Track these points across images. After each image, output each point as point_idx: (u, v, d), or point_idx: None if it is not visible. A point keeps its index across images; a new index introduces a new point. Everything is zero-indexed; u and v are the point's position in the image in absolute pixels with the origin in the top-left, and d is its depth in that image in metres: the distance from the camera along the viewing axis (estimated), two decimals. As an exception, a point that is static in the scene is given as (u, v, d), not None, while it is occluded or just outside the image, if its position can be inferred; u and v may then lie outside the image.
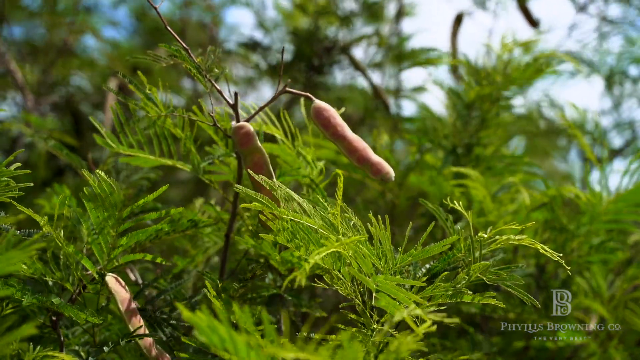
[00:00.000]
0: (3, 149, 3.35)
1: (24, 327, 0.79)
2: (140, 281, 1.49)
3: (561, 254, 1.20)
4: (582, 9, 3.05)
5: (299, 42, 3.14)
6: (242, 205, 1.20)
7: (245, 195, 1.13)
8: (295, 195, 1.15)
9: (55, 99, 3.42)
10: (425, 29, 3.71)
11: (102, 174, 1.14)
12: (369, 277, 1.13)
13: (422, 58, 3.19)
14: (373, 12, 3.21)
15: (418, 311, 1.01)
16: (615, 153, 3.16)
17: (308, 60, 3.13)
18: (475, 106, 2.29)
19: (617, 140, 3.23)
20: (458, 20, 3.11)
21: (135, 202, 1.59)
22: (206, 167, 1.44)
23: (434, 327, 1.14)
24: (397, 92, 3.34)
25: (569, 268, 1.22)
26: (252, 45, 3.22)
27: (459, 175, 2.19)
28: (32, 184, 1.21)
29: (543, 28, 3.18)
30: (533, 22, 3.12)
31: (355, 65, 3.24)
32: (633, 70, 3.19)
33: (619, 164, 3.19)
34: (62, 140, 2.70)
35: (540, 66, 2.24)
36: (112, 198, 1.17)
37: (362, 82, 3.64)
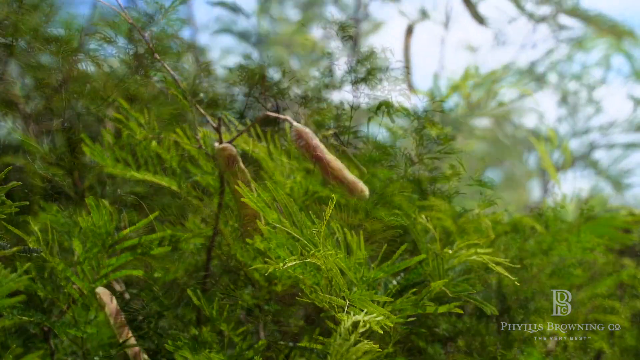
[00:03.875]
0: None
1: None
2: (124, 290, 1.56)
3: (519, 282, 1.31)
4: (537, 21, 3.16)
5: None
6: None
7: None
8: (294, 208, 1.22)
9: (56, 126, 3.39)
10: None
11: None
12: (342, 292, 1.24)
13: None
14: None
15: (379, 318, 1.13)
16: (574, 159, 3.31)
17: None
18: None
19: (573, 145, 3.38)
20: (409, 31, 3.12)
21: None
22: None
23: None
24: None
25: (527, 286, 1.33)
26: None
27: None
28: (27, 202, 1.26)
29: (500, 41, 3.26)
30: (479, 19, 3.14)
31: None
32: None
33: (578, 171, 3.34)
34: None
35: None
36: (100, 230, 1.23)
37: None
